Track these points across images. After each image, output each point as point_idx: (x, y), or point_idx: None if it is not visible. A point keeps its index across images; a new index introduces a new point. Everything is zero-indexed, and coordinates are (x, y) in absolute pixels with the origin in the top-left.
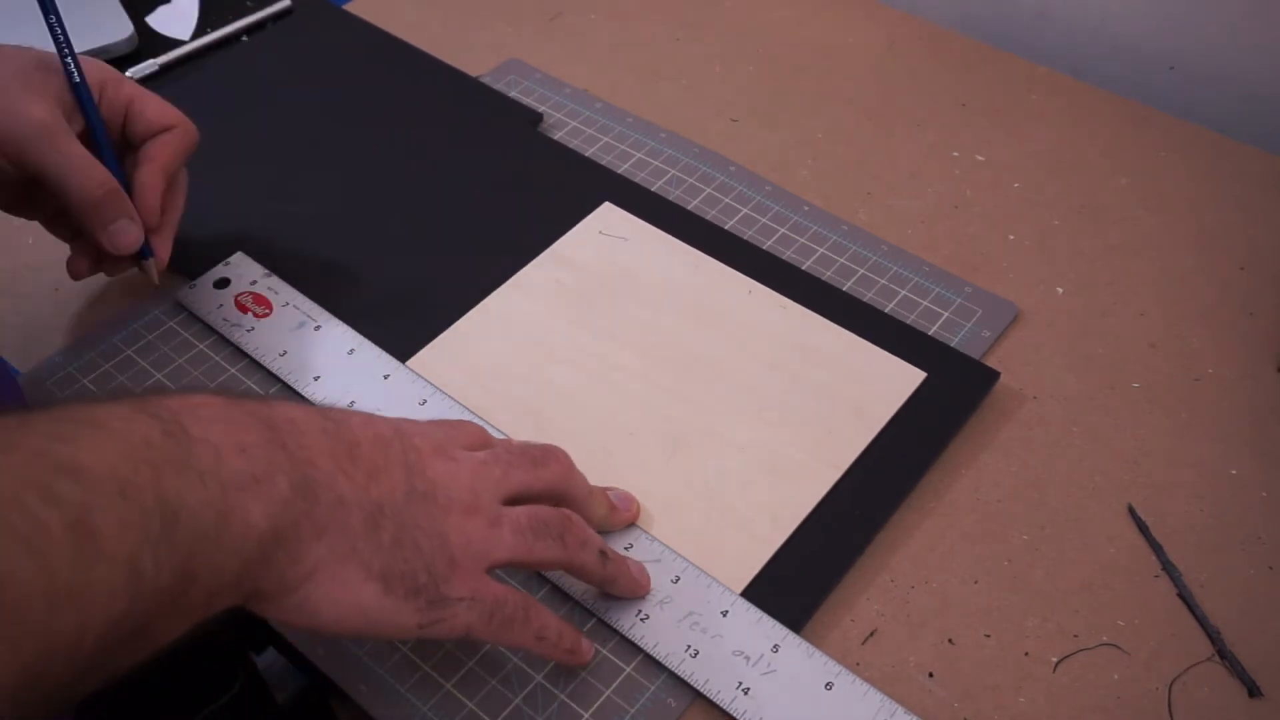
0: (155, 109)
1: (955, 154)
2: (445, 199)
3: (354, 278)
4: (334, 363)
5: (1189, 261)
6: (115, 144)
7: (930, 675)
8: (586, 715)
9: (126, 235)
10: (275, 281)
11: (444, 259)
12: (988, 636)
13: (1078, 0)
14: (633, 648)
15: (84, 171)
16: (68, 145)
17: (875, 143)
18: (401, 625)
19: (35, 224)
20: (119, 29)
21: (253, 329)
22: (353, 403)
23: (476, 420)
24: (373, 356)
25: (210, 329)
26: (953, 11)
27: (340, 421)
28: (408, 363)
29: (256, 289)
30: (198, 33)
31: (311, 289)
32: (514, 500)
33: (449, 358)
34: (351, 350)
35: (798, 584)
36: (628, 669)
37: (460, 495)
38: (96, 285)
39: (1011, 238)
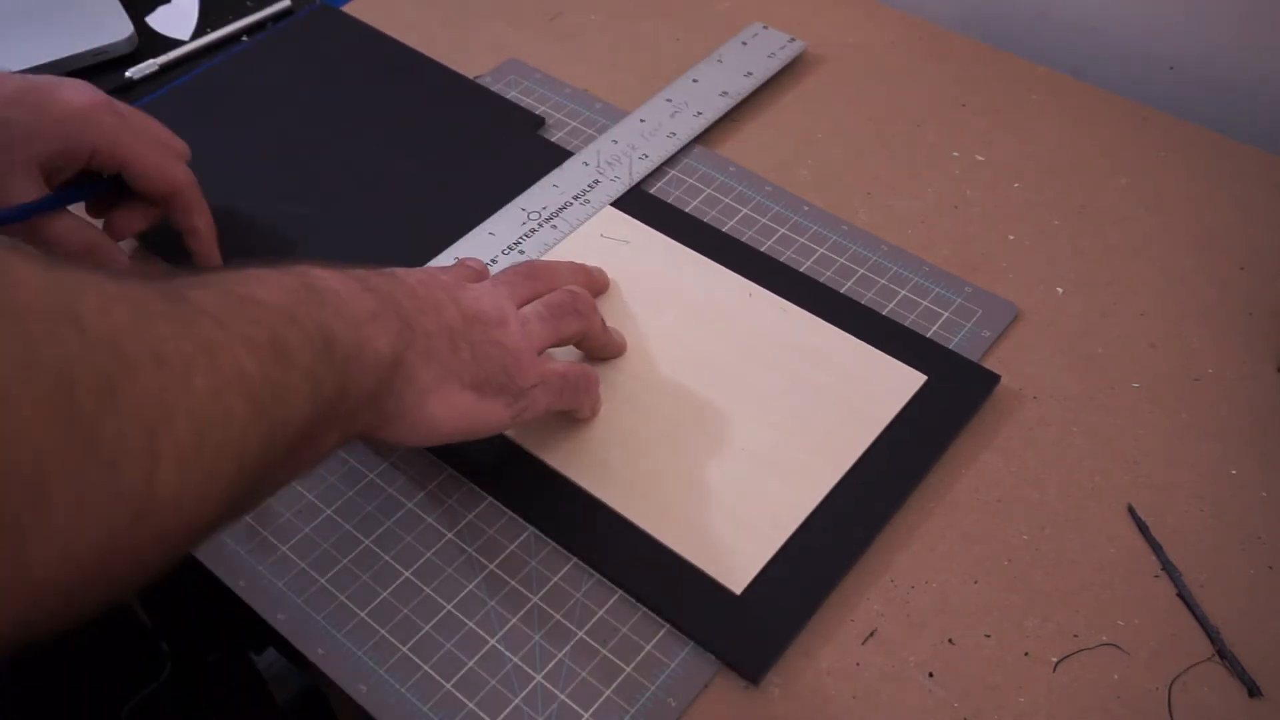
0: (154, 173)
1: (955, 154)
2: (445, 200)
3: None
4: None
5: (1189, 261)
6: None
7: (930, 675)
8: (586, 715)
9: None
10: None
11: (445, 260)
12: (988, 636)
13: (1078, 0)
14: (633, 645)
15: (66, 239)
16: (46, 224)
17: (875, 143)
18: (499, 418)
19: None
20: (119, 29)
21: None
22: None
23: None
24: None
25: None
26: (953, 11)
27: (392, 275)
28: None
29: None
30: (197, 33)
31: None
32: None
33: None
34: None
35: (798, 584)
36: (628, 669)
37: (493, 313)
38: None
39: (1011, 238)
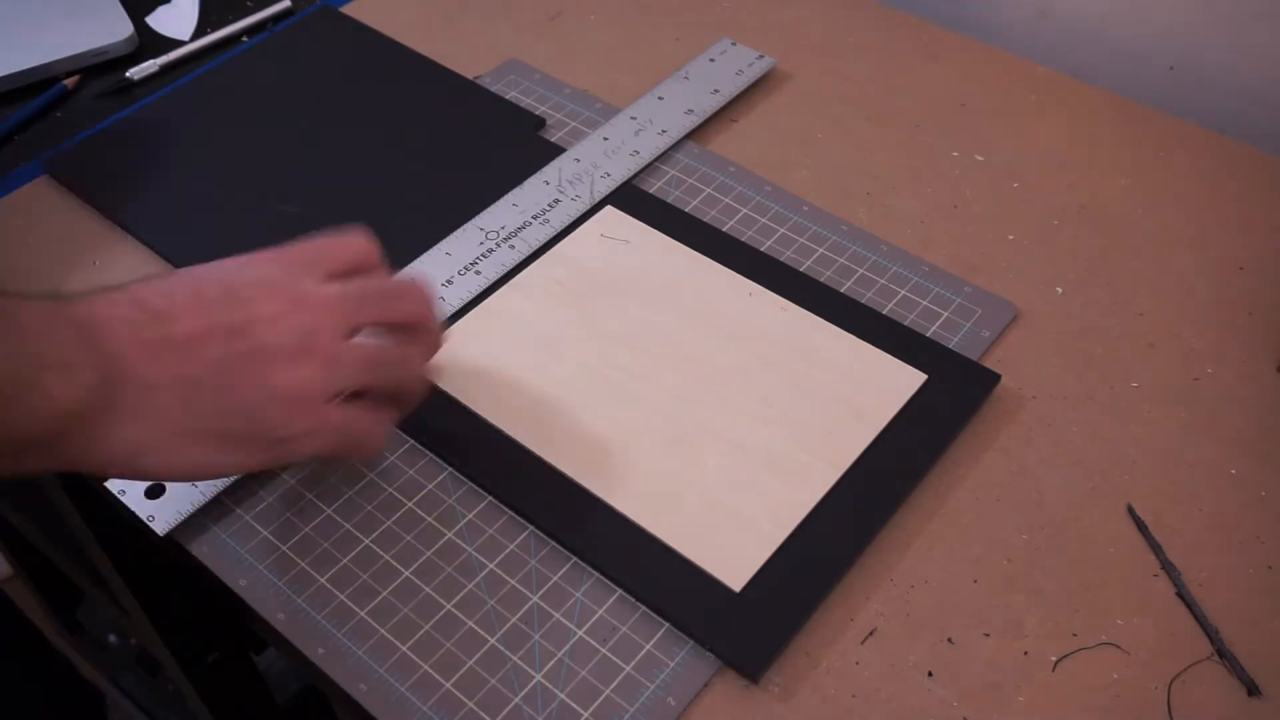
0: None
1: (955, 154)
2: (445, 201)
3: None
4: None
5: (1188, 261)
6: None
7: (930, 675)
8: (586, 714)
9: None
10: None
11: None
12: (988, 636)
13: (1078, 0)
14: (633, 644)
15: None
16: None
17: (875, 143)
18: (243, 465)
19: (36, 225)
20: (119, 29)
21: None
22: None
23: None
24: None
25: None
26: (953, 11)
27: (160, 306)
28: None
29: None
30: (198, 33)
31: None
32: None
33: (450, 358)
34: None
35: (798, 584)
36: (627, 668)
37: (289, 340)
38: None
39: (1011, 238)
